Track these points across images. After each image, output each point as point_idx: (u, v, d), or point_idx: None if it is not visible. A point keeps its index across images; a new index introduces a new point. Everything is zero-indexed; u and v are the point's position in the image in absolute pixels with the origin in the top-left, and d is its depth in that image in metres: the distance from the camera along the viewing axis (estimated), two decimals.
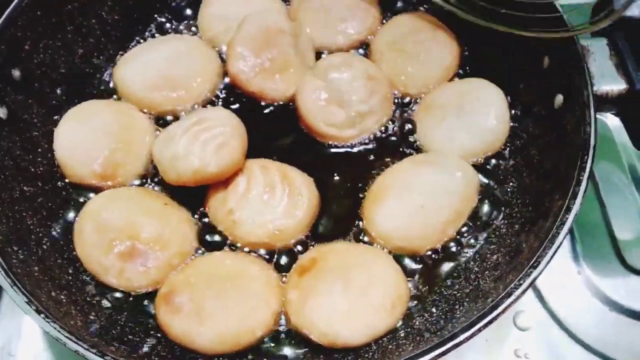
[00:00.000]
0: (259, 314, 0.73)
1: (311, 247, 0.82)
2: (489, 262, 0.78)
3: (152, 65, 0.94)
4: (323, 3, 1.01)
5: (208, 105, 0.95)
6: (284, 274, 0.79)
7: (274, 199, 0.81)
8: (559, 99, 0.80)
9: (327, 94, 0.90)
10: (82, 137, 0.87)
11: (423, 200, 0.80)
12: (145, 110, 0.93)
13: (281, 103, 0.95)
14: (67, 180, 0.87)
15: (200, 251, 0.82)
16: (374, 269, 0.75)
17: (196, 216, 0.85)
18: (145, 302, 0.78)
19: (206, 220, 0.84)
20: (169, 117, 0.94)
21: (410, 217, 0.80)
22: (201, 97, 0.94)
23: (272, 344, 0.75)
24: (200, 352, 0.72)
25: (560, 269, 0.92)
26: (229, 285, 0.74)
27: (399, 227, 0.80)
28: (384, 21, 1.02)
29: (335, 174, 0.89)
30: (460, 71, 0.97)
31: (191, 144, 0.81)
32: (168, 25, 1.06)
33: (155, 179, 0.88)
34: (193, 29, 1.05)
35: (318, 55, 0.99)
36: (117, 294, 0.79)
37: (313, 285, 0.74)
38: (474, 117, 0.87)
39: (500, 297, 0.62)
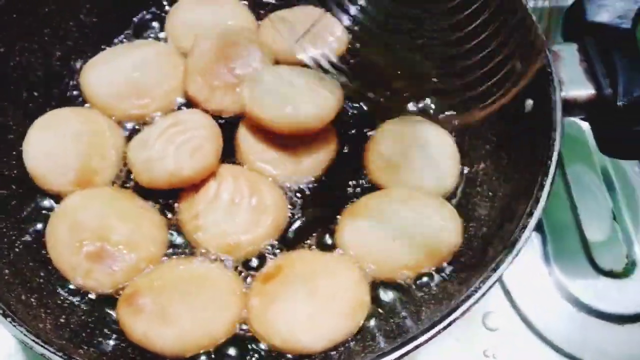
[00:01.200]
0: (220, 319, 0.74)
1: (278, 253, 0.82)
2: (457, 264, 0.79)
3: (118, 72, 0.94)
4: (292, 19, 0.99)
5: (183, 108, 0.95)
6: (249, 280, 0.80)
7: (238, 211, 0.81)
8: (529, 103, 0.81)
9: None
10: (52, 148, 0.86)
11: (394, 235, 0.78)
12: (111, 116, 0.93)
13: None
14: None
15: (171, 256, 0.82)
16: (337, 276, 0.76)
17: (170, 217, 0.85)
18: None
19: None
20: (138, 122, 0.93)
21: (376, 245, 0.79)
22: (168, 104, 0.94)
23: (233, 348, 0.76)
24: (160, 355, 0.72)
25: (530, 269, 0.94)
26: (192, 290, 0.74)
27: (358, 245, 0.80)
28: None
29: (314, 182, 0.89)
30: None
31: (166, 147, 0.81)
32: (147, 29, 1.06)
33: (131, 182, 0.88)
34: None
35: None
36: (88, 297, 0.79)
37: (276, 292, 0.74)
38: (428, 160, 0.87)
39: (460, 299, 0.63)
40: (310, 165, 0.88)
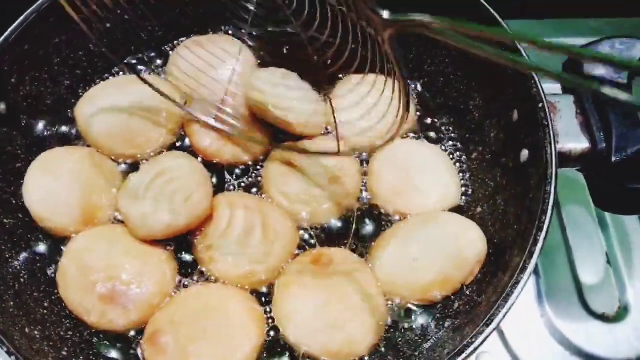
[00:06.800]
0: (241, 350, 0.76)
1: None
2: (451, 310, 0.81)
3: (114, 112, 0.93)
4: None
5: (164, 151, 0.95)
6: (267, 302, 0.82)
7: (250, 242, 0.83)
8: (525, 153, 0.83)
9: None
10: (53, 189, 0.86)
11: (419, 255, 0.81)
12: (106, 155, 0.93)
13: None
14: None
15: (181, 288, 0.83)
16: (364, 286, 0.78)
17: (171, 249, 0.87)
18: (117, 339, 0.80)
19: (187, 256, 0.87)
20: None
21: (402, 267, 0.82)
22: (162, 144, 0.95)
23: None
24: None
25: (524, 311, 0.96)
26: (210, 322, 0.76)
27: (390, 274, 0.82)
28: None
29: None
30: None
31: (158, 200, 0.81)
32: (154, 59, 1.07)
33: None
34: None
35: None
36: (91, 330, 0.80)
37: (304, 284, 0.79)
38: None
39: (454, 352, 0.65)
40: (332, 208, 0.90)
